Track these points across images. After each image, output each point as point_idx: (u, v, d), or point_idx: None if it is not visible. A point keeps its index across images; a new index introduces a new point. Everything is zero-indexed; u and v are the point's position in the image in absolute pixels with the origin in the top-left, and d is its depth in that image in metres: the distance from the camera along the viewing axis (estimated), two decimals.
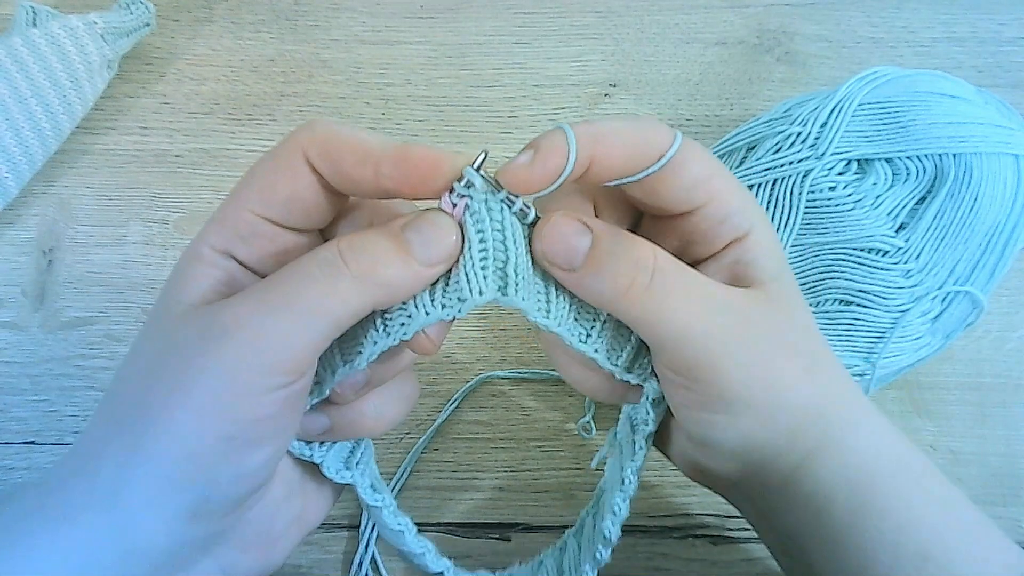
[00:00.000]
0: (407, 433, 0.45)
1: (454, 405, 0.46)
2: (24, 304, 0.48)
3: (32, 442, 0.45)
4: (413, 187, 0.27)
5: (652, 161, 0.28)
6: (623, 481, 0.33)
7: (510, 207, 0.28)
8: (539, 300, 0.29)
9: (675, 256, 0.30)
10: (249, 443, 0.26)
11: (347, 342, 0.29)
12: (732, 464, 0.31)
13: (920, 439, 0.45)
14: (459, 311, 0.27)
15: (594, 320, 0.30)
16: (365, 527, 0.43)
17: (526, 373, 0.46)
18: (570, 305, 0.30)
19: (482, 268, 0.27)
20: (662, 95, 0.54)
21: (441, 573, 0.36)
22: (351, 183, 0.27)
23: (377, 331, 0.28)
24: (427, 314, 0.27)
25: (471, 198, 0.27)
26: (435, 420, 0.45)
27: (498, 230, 0.27)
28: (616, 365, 0.31)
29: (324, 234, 0.30)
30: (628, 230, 0.32)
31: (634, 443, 0.33)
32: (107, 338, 0.47)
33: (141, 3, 0.51)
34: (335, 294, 0.25)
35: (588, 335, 0.30)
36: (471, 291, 0.27)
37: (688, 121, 0.53)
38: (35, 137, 0.48)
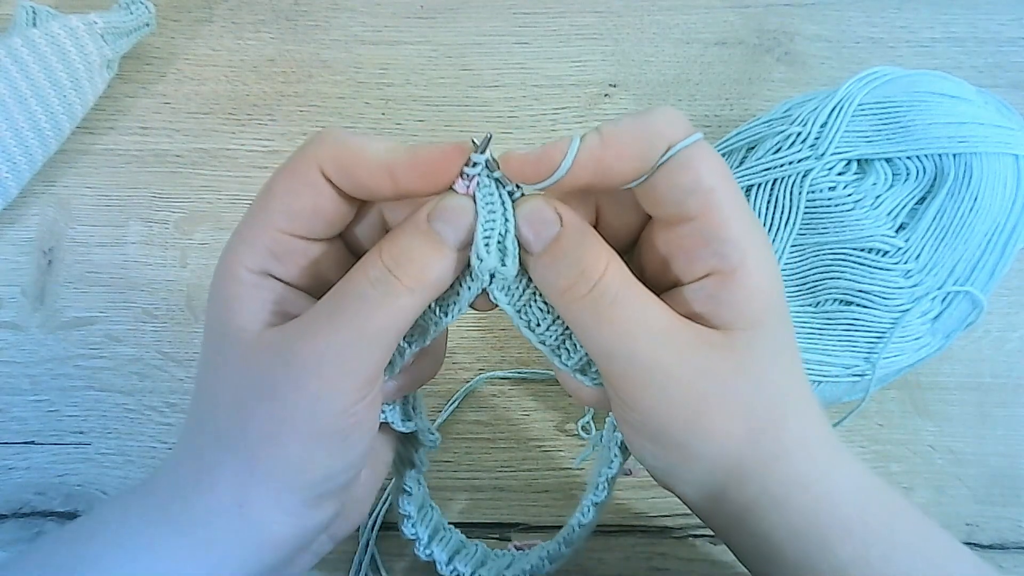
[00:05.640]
0: None
1: (454, 405, 0.46)
2: (24, 304, 0.48)
3: (32, 442, 0.45)
4: (429, 185, 0.28)
5: (658, 154, 0.27)
6: (596, 486, 0.34)
7: (504, 187, 0.29)
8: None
9: (655, 270, 0.30)
10: (351, 443, 0.29)
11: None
12: (679, 489, 0.31)
13: (920, 439, 0.45)
14: (487, 281, 0.29)
15: (547, 312, 0.30)
16: (365, 527, 0.43)
17: (526, 373, 0.46)
18: (524, 290, 0.30)
19: (486, 239, 0.28)
20: (662, 95, 0.54)
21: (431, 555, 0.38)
22: (368, 192, 0.28)
23: (435, 315, 0.30)
24: (468, 289, 0.30)
25: (479, 176, 0.29)
26: (435, 420, 0.45)
27: (498, 205, 0.29)
28: (566, 365, 0.31)
29: (343, 235, 0.31)
30: (635, 233, 0.31)
31: (611, 451, 0.34)
32: (107, 338, 0.47)
33: (141, 3, 0.51)
34: (397, 309, 0.27)
35: (538, 324, 0.31)
36: (481, 260, 0.28)
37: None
38: (35, 137, 0.48)
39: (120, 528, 0.29)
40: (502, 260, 0.28)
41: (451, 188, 0.29)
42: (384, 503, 0.43)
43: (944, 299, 0.42)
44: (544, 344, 0.31)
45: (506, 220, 0.29)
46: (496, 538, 0.43)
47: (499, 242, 0.28)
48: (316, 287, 0.30)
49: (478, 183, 0.28)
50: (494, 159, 0.28)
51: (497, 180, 0.29)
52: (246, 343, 0.28)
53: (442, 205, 0.28)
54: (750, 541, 0.30)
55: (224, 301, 0.29)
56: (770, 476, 0.29)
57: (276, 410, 0.28)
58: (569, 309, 0.28)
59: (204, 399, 0.30)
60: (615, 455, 0.33)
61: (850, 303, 0.42)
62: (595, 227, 0.31)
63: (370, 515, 0.43)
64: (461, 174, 0.28)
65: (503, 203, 0.29)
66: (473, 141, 0.28)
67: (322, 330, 0.27)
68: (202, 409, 0.30)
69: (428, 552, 0.37)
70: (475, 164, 0.28)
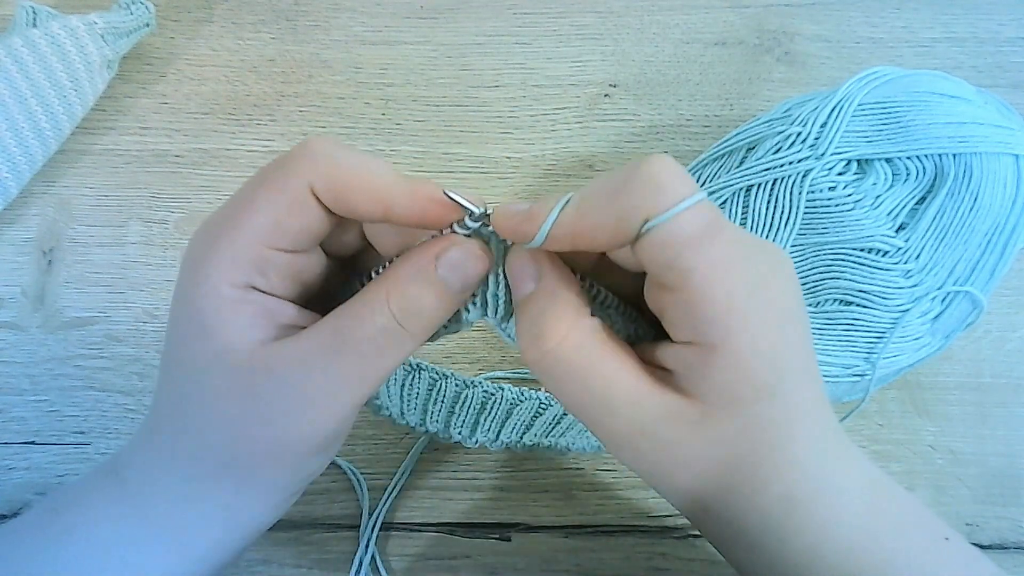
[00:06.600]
0: (407, 433, 0.45)
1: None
2: (24, 304, 0.48)
3: (32, 442, 0.45)
4: (423, 223, 0.28)
5: (635, 228, 0.25)
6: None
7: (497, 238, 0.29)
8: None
9: (656, 314, 0.29)
10: (336, 448, 0.32)
11: None
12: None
13: (920, 439, 0.45)
14: (471, 325, 0.31)
15: None
16: (365, 527, 0.43)
17: (526, 373, 0.46)
18: None
19: (474, 295, 0.30)
20: (662, 95, 0.54)
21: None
22: (358, 215, 0.28)
23: None
24: (445, 328, 0.31)
25: (475, 230, 0.29)
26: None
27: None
28: None
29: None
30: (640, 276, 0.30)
31: None
32: (107, 338, 0.47)
33: (141, 3, 0.51)
34: (402, 355, 0.29)
35: None
36: (468, 311, 0.30)
37: (688, 121, 0.53)
38: (35, 137, 0.48)
39: (102, 531, 0.29)
40: (495, 312, 0.30)
41: (453, 230, 0.29)
42: (385, 503, 0.43)
43: (944, 299, 0.42)
44: None
45: (497, 274, 0.29)
46: (496, 538, 0.43)
47: (493, 292, 0.30)
48: (296, 292, 0.30)
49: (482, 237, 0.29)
50: (487, 215, 0.28)
51: (494, 233, 0.29)
52: (237, 363, 0.28)
53: (453, 256, 0.28)
54: (743, 561, 0.30)
55: (207, 318, 0.28)
56: (747, 521, 0.28)
57: (276, 435, 0.28)
58: (528, 365, 0.29)
59: (182, 411, 0.29)
60: None
61: (850, 303, 0.42)
62: (605, 257, 0.30)
63: (370, 515, 0.43)
64: (459, 222, 0.28)
65: (496, 258, 0.29)
66: (448, 195, 0.28)
67: (328, 367, 0.28)
68: (180, 420, 0.29)
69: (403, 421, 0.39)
70: (468, 227, 0.28)
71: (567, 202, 0.26)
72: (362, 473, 0.44)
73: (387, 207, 0.27)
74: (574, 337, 0.27)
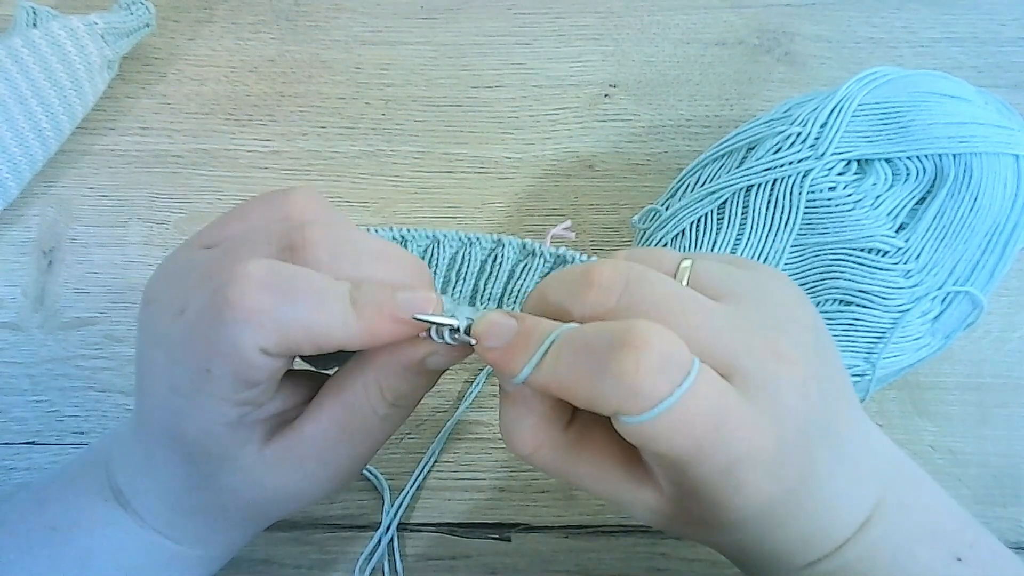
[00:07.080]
0: (407, 433, 0.45)
1: (467, 404, 0.46)
2: (24, 304, 0.48)
3: (32, 442, 0.45)
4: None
5: (608, 411, 0.24)
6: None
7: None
8: None
9: None
10: None
11: None
12: None
13: (920, 439, 0.45)
14: None
15: None
16: (385, 528, 0.43)
17: None
18: None
19: None
20: (662, 95, 0.54)
21: None
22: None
23: None
24: None
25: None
26: (435, 420, 0.45)
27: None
28: None
29: None
30: None
31: None
32: (107, 338, 0.47)
33: (141, 3, 0.51)
34: (398, 427, 0.32)
35: None
36: None
37: (688, 121, 0.53)
38: (35, 137, 0.48)
39: (96, 534, 0.31)
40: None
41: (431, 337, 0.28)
42: (390, 503, 0.43)
43: (944, 299, 0.41)
44: None
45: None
46: (496, 538, 0.43)
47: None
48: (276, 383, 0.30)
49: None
50: (466, 332, 0.28)
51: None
52: (241, 466, 0.29)
53: (441, 356, 0.29)
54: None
55: (210, 446, 0.29)
56: (753, 549, 0.29)
57: (281, 510, 0.32)
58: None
59: (178, 484, 0.31)
60: None
61: (850, 303, 0.42)
62: None
63: (386, 516, 0.43)
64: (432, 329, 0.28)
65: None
66: (420, 317, 0.27)
67: (331, 457, 0.30)
68: (175, 494, 0.31)
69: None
70: (452, 330, 0.28)
71: (546, 350, 0.25)
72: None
73: (343, 345, 0.27)
74: (544, 451, 0.28)
